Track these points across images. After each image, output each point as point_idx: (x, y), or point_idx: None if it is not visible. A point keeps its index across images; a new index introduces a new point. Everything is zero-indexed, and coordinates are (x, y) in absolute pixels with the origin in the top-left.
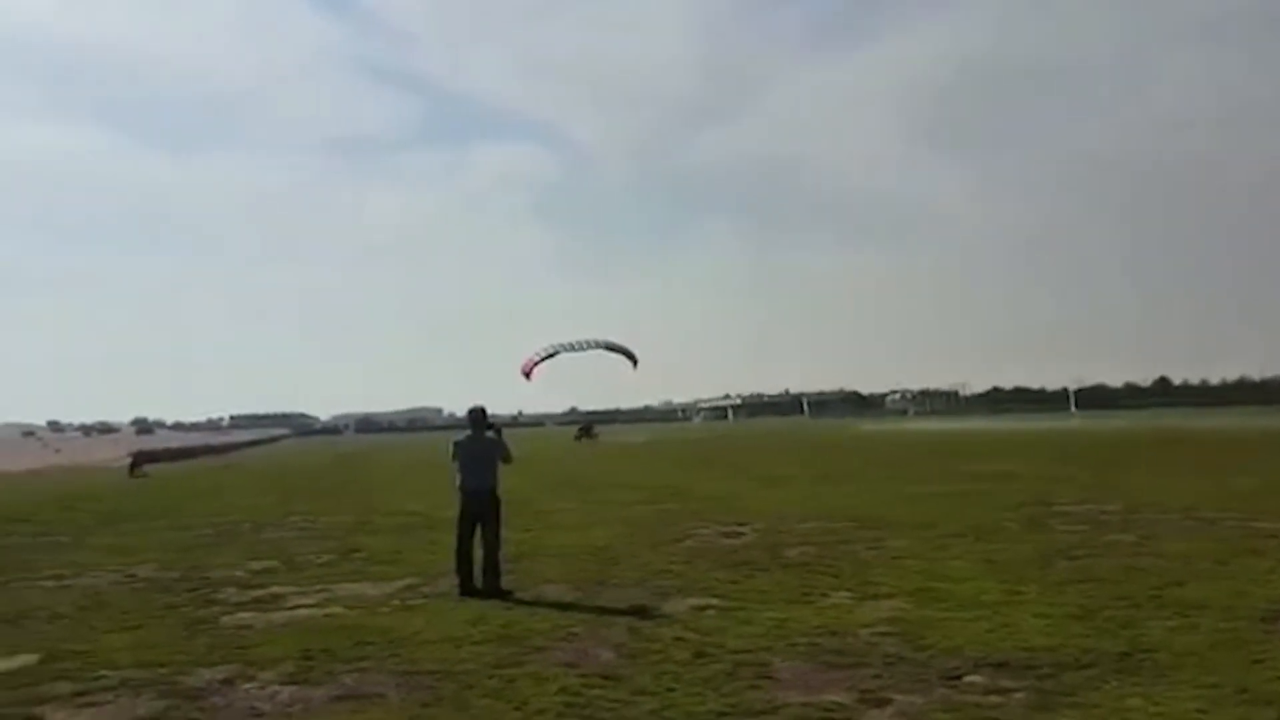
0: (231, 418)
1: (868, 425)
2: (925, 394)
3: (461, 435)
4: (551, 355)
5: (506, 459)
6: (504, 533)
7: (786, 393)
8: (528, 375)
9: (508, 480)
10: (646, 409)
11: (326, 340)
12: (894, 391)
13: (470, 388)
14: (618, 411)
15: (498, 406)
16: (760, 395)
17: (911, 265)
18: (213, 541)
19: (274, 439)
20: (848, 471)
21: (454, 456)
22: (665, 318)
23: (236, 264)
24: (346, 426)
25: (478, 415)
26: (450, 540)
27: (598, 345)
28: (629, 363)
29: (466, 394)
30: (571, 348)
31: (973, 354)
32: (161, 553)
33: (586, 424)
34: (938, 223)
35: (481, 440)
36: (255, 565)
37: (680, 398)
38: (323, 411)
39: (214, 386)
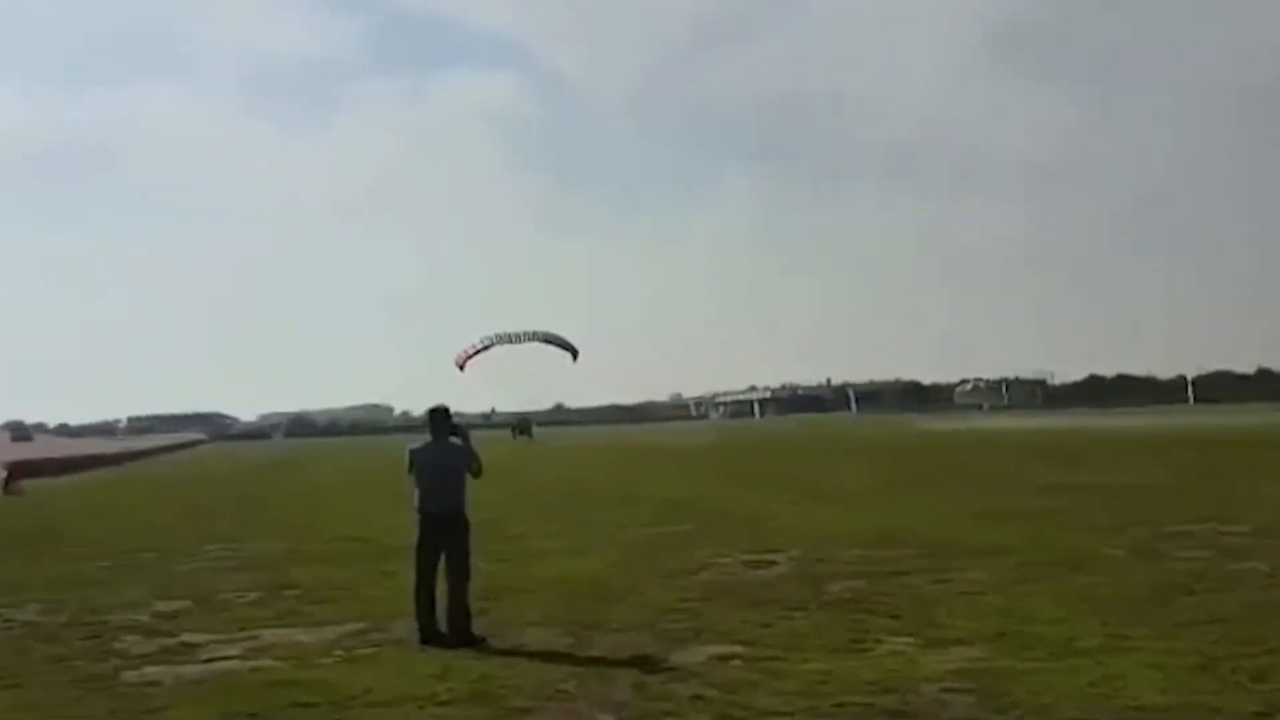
0: (130, 419)
1: (931, 423)
2: (1003, 384)
3: (419, 442)
4: (486, 348)
5: (476, 471)
6: (474, 564)
7: (827, 383)
8: (461, 367)
9: (478, 496)
10: (649, 405)
11: (249, 323)
12: (964, 381)
13: (431, 381)
14: (612, 409)
15: (466, 404)
16: (794, 387)
17: (984, 224)
18: (110, 575)
19: (185, 445)
20: (906, 483)
21: (410, 469)
22: (671, 290)
23: (136, 228)
24: (275, 428)
25: (440, 417)
26: (407, 573)
27: (535, 338)
28: (569, 357)
29: (426, 389)
30: (509, 339)
31: (1064, 334)
32: (45, 591)
33: (522, 420)
34: (1018, 172)
35: (444, 448)
36: (163, 605)
37: (692, 390)
38: (245, 410)
39: (108, 381)
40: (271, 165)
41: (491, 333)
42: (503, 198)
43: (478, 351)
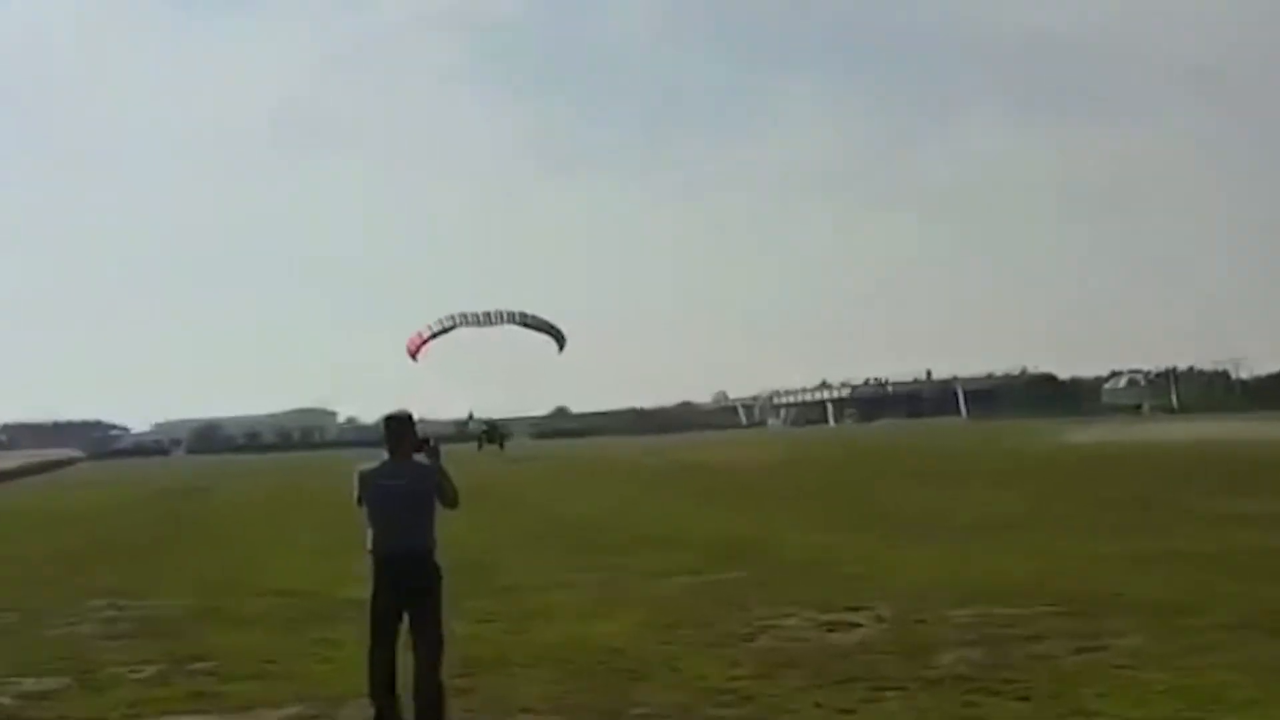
0: None
1: (1072, 432)
2: (1171, 376)
3: (373, 462)
4: (447, 330)
5: (449, 499)
6: (448, 626)
7: (926, 377)
8: (414, 355)
9: (456, 533)
10: (684, 408)
11: (137, 300)
12: (1116, 374)
13: (388, 375)
14: (635, 414)
15: (438, 407)
16: (882, 382)
17: (1141, 156)
18: None
19: (56, 464)
20: (1038, 514)
21: (360, 498)
22: (713, 252)
23: None
24: (177, 442)
25: (400, 427)
26: (359, 639)
27: (510, 319)
28: (554, 344)
29: (381, 386)
30: (476, 321)
31: (1255, 310)
32: None
33: (492, 426)
34: (1191, 86)
35: (407, 469)
36: (30, 684)
37: (742, 389)
38: (135, 418)
39: None
40: (167, 85)
41: (455, 312)
42: (478, 129)
43: (435, 335)
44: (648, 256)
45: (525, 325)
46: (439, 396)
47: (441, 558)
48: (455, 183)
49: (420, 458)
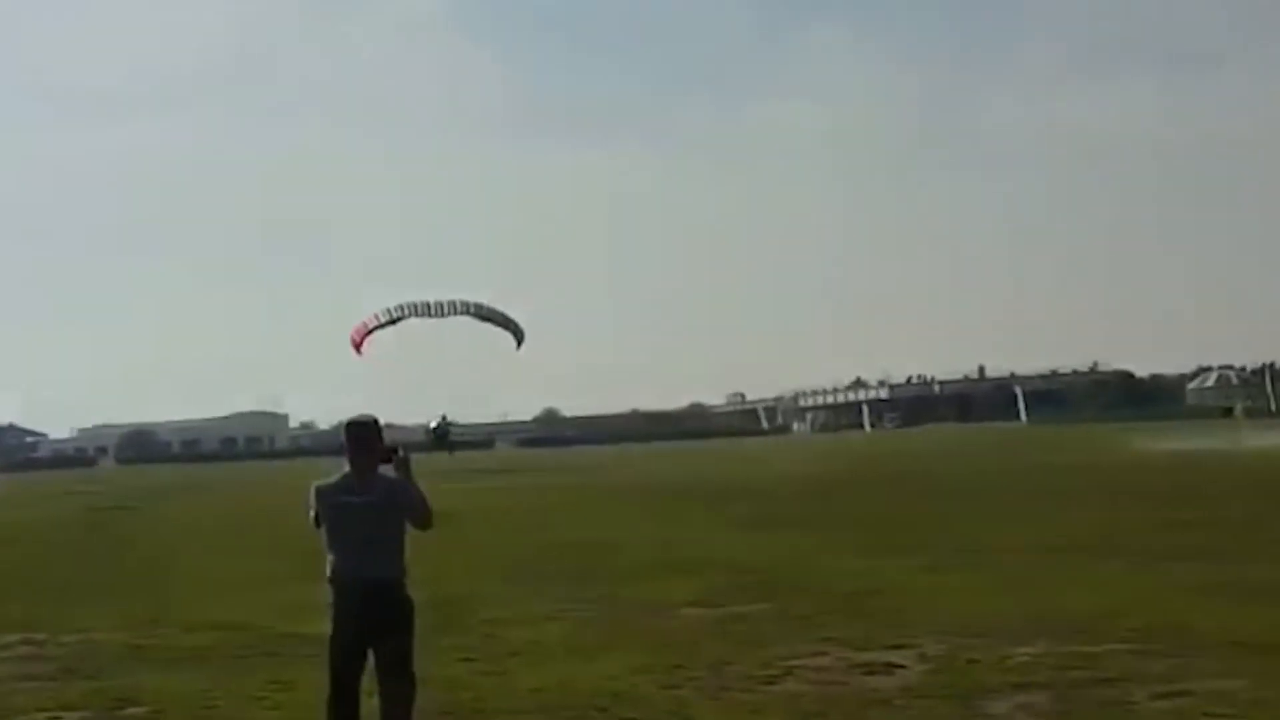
0: None
1: (1151, 439)
2: (1267, 374)
3: (332, 477)
4: (394, 320)
5: (421, 519)
6: (419, 666)
7: (980, 374)
8: (358, 347)
9: (428, 558)
10: (693, 411)
11: (55, 288)
12: (1203, 370)
13: (349, 372)
14: (637, 417)
15: (409, 410)
16: (927, 380)
17: (1239, 114)
18: None
19: None
20: (1110, 534)
21: (318, 519)
22: (727, 227)
23: None
24: (103, 451)
25: (364, 434)
26: (317, 681)
27: (464, 310)
28: (510, 339)
29: (339, 388)
30: (426, 311)
31: None
32: None
33: (440, 425)
34: None
35: (372, 484)
36: None
37: (762, 389)
38: (53, 423)
39: None
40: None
41: (404, 301)
42: (457, 87)
43: (381, 326)
44: (650, 233)
45: (480, 317)
46: (406, 397)
47: (412, 588)
48: (427, 149)
49: (387, 470)
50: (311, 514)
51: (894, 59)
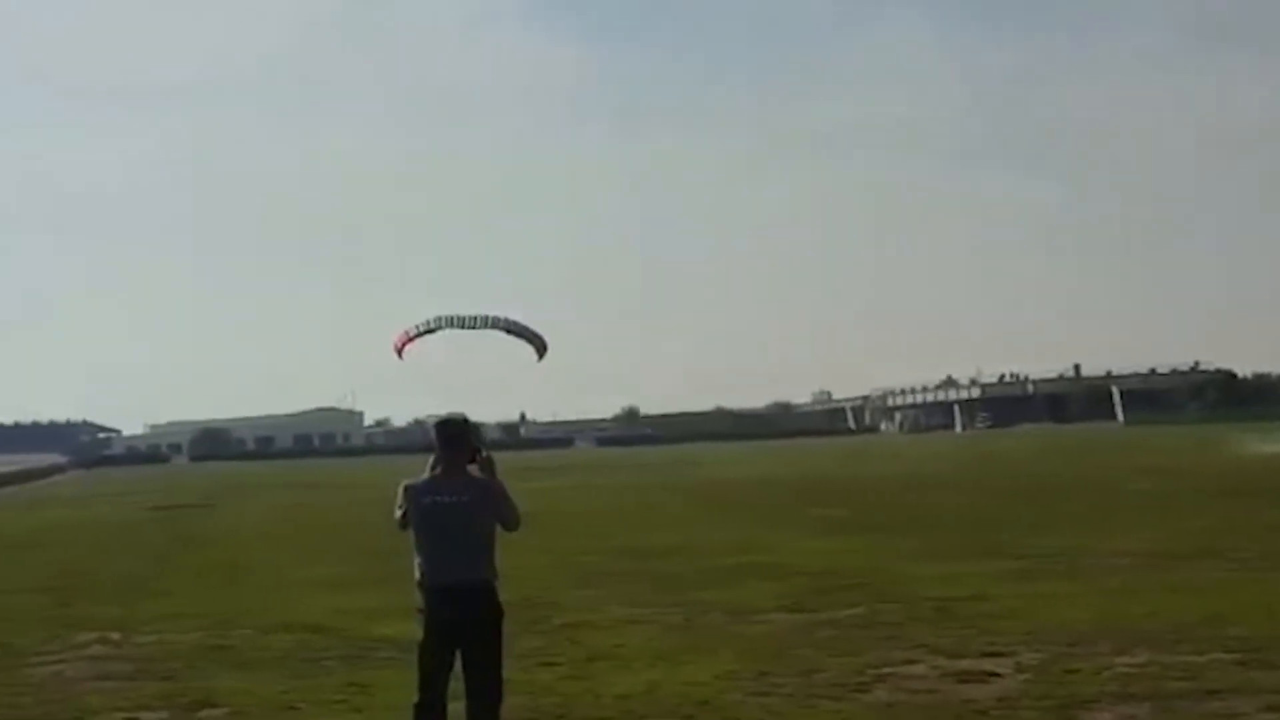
0: None
1: (1257, 439)
2: None
3: (421, 476)
4: (431, 330)
5: (510, 521)
6: (506, 672)
7: (1075, 374)
8: (399, 352)
9: (508, 559)
10: (777, 410)
11: (130, 287)
12: None
13: (419, 371)
14: (715, 414)
15: (487, 408)
16: (1021, 379)
17: None
18: None
19: (35, 474)
20: (1214, 540)
21: (404, 520)
22: (805, 221)
23: None
24: (177, 448)
25: (454, 435)
26: (396, 684)
27: (496, 324)
28: (533, 352)
29: (414, 386)
30: (460, 323)
31: None
32: None
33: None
34: None
35: (462, 486)
36: None
37: (849, 388)
38: (128, 419)
39: None
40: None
41: (440, 313)
42: (526, 78)
43: (419, 334)
44: (729, 228)
45: (508, 331)
46: (482, 396)
47: (503, 591)
48: (496, 142)
49: (474, 470)
50: (399, 513)
51: (972, 50)
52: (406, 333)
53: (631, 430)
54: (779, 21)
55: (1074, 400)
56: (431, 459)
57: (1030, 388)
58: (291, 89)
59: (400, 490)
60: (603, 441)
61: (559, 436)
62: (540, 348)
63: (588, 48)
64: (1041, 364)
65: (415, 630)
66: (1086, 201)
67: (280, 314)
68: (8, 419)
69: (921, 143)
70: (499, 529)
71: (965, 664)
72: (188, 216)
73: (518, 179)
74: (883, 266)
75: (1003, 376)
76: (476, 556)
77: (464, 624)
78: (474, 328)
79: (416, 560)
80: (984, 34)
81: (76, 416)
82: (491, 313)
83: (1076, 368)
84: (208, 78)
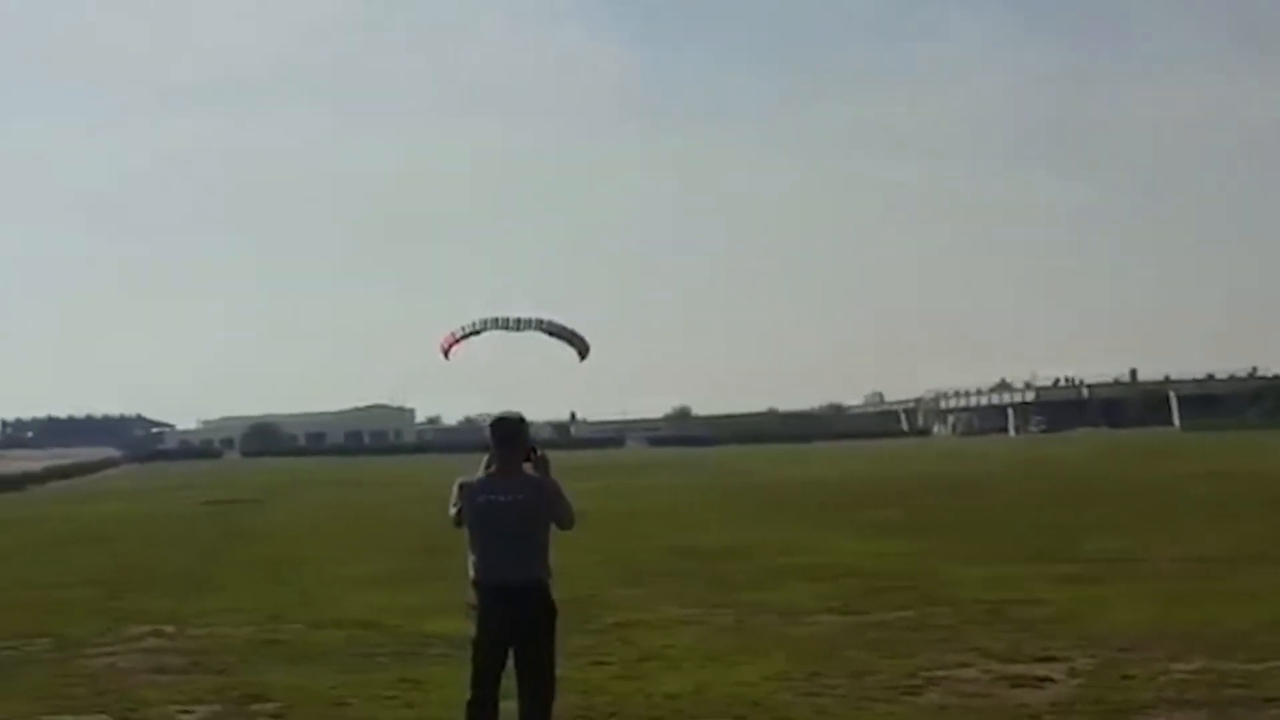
0: (7, 425)
1: None
2: None
3: (476, 474)
4: (476, 332)
5: (565, 520)
6: (559, 670)
7: (1131, 378)
8: (445, 353)
9: (559, 558)
10: (829, 412)
11: (183, 282)
12: None
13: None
14: (768, 415)
15: (537, 407)
16: (1076, 383)
17: None
18: None
19: (89, 467)
20: (1268, 545)
21: (459, 518)
22: (858, 222)
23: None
24: (229, 443)
25: (510, 433)
26: (447, 681)
27: (539, 326)
28: (575, 354)
29: (466, 384)
30: (504, 325)
31: None
32: None
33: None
34: None
35: (517, 484)
36: None
37: (901, 389)
38: (180, 414)
39: None
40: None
41: (484, 316)
42: (583, 79)
43: (465, 336)
44: (781, 229)
45: (550, 333)
46: (534, 392)
47: (555, 590)
48: (551, 141)
49: (530, 469)
50: (454, 511)
51: (1028, 52)
52: (453, 334)
53: (683, 430)
54: (824, 22)
55: (1130, 405)
56: (486, 457)
57: (1085, 392)
58: (347, 86)
59: (455, 488)
60: (654, 441)
61: (610, 436)
62: (582, 350)
63: (635, 47)
64: (1097, 368)
65: (468, 627)
66: (1142, 204)
67: (333, 311)
68: (62, 412)
69: (979, 142)
70: (553, 528)
71: (1018, 668)
72: (243, 214)
73: (568, 177)
74: (937, 268)
75: (1057, 380)
76: (531, 555)
77: (518, 622)
78: (517, 329)
79: (470, 558)
80: (1030, 34)
81: (130, 411)
82: (539, 314)
83: (1133, 372)
84: (268, 76)
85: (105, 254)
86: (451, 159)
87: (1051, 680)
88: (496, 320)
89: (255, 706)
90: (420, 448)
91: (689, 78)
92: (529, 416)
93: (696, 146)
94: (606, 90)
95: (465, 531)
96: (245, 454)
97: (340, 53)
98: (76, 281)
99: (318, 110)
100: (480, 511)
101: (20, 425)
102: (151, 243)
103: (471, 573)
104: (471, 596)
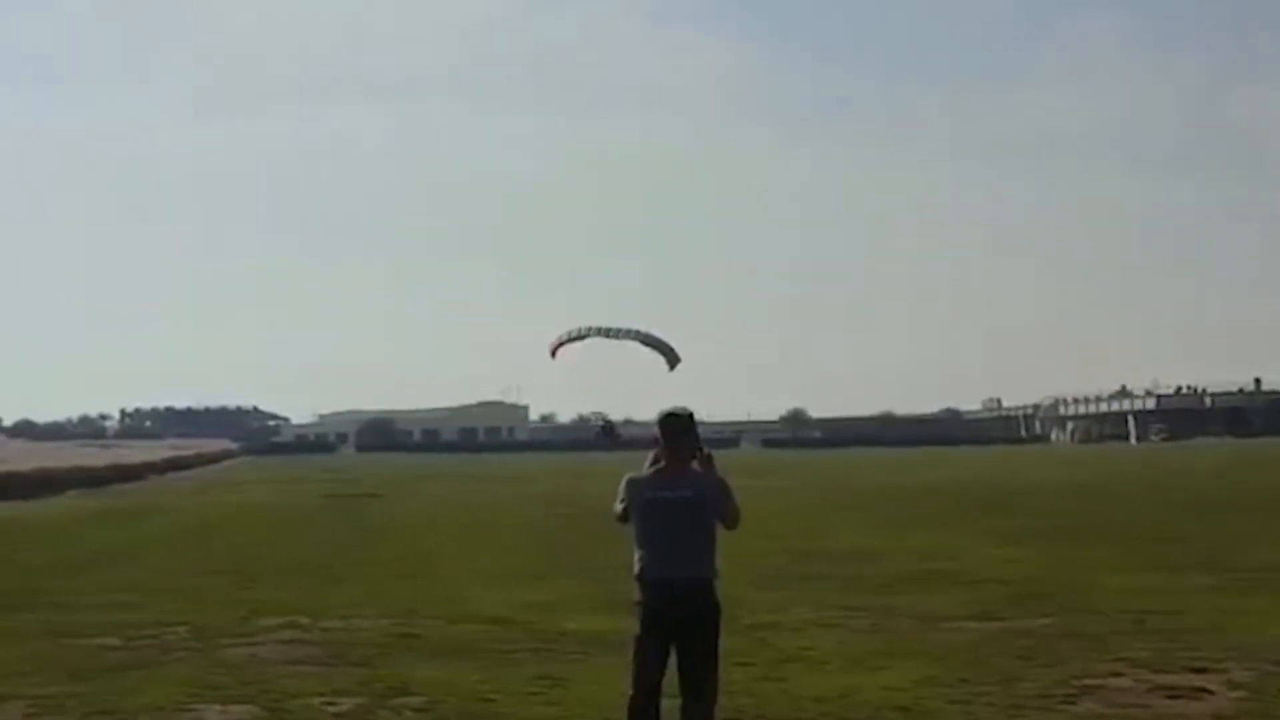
0: (124, 415)
1: None
2: None
3: (644, 470)
4: (580, 338)
5: (731, 519)
6: (722, 671)
7: (1256, 387)
8: (553, 354)
9: None
10: (945, 417)
11: (299, 276)
12: None
13: (585, 366)
14: (885, 418)
15: (650, 407)
16: (1198, 391)
17: None
18: (122, 662)
19: (208, 459)
20: None
21: (625, 513)
22: (976, 224)
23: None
24: (344, 438)
25: (681, 429)
26: (589, 678)
27: (635, 336)
28: (665, 364)
29: (573, 380)
30: (606, 333)
31: None
32: (24, 684)
33: (606, 422)
34: None
35: (684, 481)
36: (215, 713)
37: (1019, 395)
38: (296, 407)
39: (89, 358)
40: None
41: (587, 324)
42: (691, 76)
43: (570, 340)
44: (901, 232)
45: (644, 344)
46: (651, 393)
47: (721, 590)
48: (662, 139)
49: (696, 466)
50: (620, 507)
51: (1161, 51)
52: (559, 338)
53: (797, 433)
54: (962, 25)
55: (1254, 413)
56: (653, 454)
57: (1208, 400)
58: (473, 86)
59: (623, 484)
60: (768, 443)
61: (725, 437)
62: (672, 361)
63: (765, 46)
64: (1220, 376)
65: (630, 624)
66: (1271, 209)
67: (450, 307)
68: (180, 403)
69: (1101, 147)
70: (718, 527)
71: (1171, 678)
72: (365, 212)
73: (687, 180)
74: (1058, 272)
75: (1179, 388)
76: (699, 552)
77: (682, 620)
78: (617, 338)
79: (636, 554)
80: (1171, 36)
81: (246, 403)
82: (638, 326)
83: (1257, 381)
84: (396, 74)
85: (230, 248)
86: (572, 159)
87: (1209, 692)
88: (597, 329)
89: (399, 700)
90: (533, 445)
91: (822, 82)
92: (642, 417)
93: (810, 149)
94: (739, 90)
95: (631, 528)
96: (360, 449)
97: (480, 52)
98: (195, 273)
99: (445, 110)
100: (648, 507)
101: (139, 415)
102: (276, 237)
103: (636, 568)
104: (636, 593)
